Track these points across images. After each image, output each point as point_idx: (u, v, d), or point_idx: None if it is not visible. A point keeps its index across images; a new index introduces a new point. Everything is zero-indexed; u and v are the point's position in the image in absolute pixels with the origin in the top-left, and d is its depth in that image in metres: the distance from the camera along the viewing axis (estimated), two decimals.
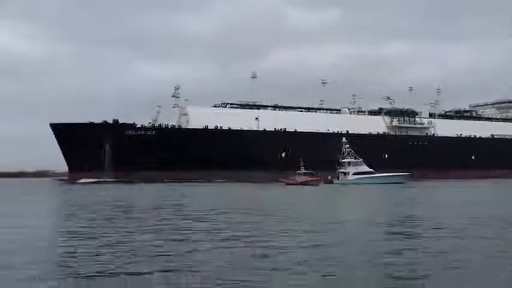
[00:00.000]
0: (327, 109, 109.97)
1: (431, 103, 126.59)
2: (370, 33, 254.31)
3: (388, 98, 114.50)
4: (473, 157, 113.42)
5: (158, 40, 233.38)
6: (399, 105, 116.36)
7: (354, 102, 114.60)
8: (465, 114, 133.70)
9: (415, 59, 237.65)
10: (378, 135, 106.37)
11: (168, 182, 77.84)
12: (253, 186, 67.95)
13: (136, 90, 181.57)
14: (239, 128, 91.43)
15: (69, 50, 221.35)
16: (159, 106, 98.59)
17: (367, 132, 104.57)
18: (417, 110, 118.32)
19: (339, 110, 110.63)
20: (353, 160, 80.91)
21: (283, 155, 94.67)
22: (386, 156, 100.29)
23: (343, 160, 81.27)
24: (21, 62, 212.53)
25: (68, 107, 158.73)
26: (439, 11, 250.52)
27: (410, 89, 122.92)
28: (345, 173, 79.17)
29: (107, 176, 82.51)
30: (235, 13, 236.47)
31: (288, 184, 74.70)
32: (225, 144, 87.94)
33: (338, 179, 78.68)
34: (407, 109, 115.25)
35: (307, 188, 66.05)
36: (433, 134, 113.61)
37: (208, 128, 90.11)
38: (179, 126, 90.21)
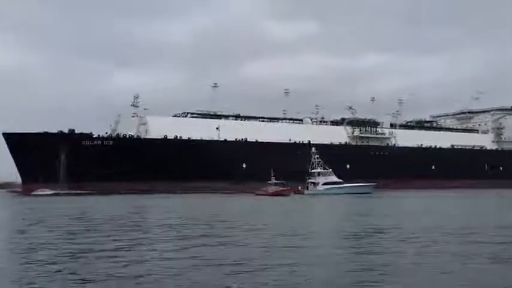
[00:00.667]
0: (289, 119, 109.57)
1: (393, 113, 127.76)
2: (346, 45, 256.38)
3: (350, 108, 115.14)
4: (433, 167, 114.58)
5: (131, 49, 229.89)
6: (361, 115, 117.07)
7: (317, 112, 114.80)
8: (426, 124, 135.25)
9: (388, 70, 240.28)
10: (340, 145, 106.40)
11: (125, 193, 75.79)
12: (221, 197, 67.24)
13: (107, 99, 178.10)
14: (199, 138, 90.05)
15: (40, 59, 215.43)
16: (119, 115, 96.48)
17: (329, 142, 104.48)
18: (379, 120, 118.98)
19: (302, 120, 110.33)
20: (323, 170, 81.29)
21: (244, 165, 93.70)
22: (348, 166, 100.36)
23: (313, 170, 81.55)
24: None
25: (35, 117, 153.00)
26: (413, 21, 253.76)
27: (373, 99, 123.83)
28: (314, 183, 79.51)
29: (62, 187, 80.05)
30: (210, 22, 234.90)
31: (258, 195, 73.93)
32: (184, 154, 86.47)
33: (308, 189, 78.66)
34: (369, 119, 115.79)
35: (278, 198, 65.28)
36: (394, 144, 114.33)
37: (168, 137, 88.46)
38: (137, 136, 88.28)
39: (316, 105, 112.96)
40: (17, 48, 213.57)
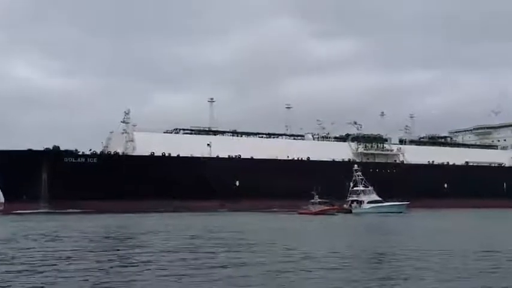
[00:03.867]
0: (290, 135, 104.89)
1: (405, 128, 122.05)
2: (382, 63, 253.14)
3: (355, 123, 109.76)
4: (445, 185, 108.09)
5: (171, 68, 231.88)
6: (369, 131, 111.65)
7: (324, 128, 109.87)
8: (440, 140, 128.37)
9: (425, 88, 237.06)
10: (342, 162, 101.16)
11: (108, 212, 72.14)
12: (248, 216, 63.91)
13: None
14: (188, 155, 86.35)
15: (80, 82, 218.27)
16: (111, 132, 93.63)
17: (331, 159, 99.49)
18: (388, 136, 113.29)
19: (303, 136, 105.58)
20: (366, 189, 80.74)
21: (237, 183, 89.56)
22: (350, 184, 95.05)
23: (356, 188, 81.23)
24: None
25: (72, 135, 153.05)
26: (451, 38, 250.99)
27: (382, 114, 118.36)
28: (358, 202, 78.15)
29: (43, 206, 77.47)
30: (250, 41, 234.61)
31: (302, 213, 70.94)
32: (172, 171, 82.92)
33: (351, 207, 77.50)
34: (376, 135, 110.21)
35: (327, 218, 62.50)
36: (402, 161, 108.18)
37: (155, 154, 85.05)
38: (123, 153, 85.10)
39: (318, 120, 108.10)
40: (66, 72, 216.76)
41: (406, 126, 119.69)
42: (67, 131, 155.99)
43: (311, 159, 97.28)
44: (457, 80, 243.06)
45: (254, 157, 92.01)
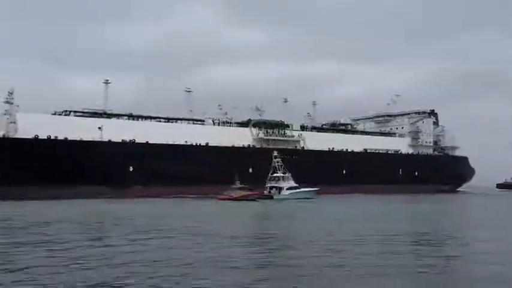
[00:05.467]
0: (190, 119, 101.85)
1: (307, 115, 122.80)
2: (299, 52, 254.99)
3: (258, 108, 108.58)
4: (344, 171, 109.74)
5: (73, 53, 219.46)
6: (271, 117, 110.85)
7: (226, 113, 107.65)
8: (341, 127, 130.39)
9: (341, 78, 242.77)
10: (243, 148, 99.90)
11: None
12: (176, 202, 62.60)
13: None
14: (77, 138, 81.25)
15: None
16: None
17: (231, 145, 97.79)
18: (290, 122, 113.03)
19: (204, 121, 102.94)
20: (285, 175, 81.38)
21: (131, 168, 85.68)
22: (250, 170, 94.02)
23: (275, 174, 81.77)
24: None
25: None
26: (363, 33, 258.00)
27: (285, 100, 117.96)
28: (277, 188, 79.20)
29: None
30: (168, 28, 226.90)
31: (221, 199, 70.16)
32: (58, 156, 77.65)
33: (269, 193, 78.47)
34: (278, 121, 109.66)
35: (251, 203, 63.02)
36: (303, 147, 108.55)
37: (39, 138, 79.21)
38: (3, 135, 78.55)
39: (219, 105, 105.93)
40: None
41: (308, 113, 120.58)
42: None
43: (210, 144, 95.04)
44: (362, 72, 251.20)
45: (150, 142, 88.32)
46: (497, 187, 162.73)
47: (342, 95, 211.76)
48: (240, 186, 73.65)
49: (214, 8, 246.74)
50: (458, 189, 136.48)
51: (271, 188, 79.90)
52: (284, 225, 36.28)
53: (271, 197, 76.63)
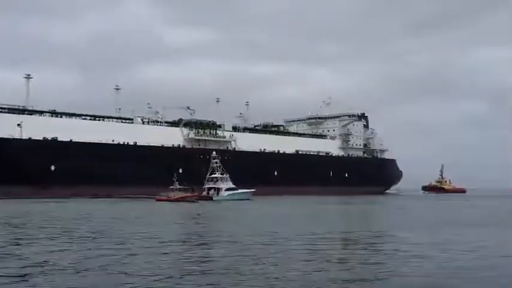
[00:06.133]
0: (118, 118, 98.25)
1: (240, 115, 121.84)
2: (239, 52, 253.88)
3: (188, 108, 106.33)
4: (276, 173, 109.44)
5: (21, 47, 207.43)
6: (203, 117, 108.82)
7: (157, 112, 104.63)
8: (273, 128, 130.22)
9: (275, 79, 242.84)
10: (172, 148, 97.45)
11: None
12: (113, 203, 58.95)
13: None
14: None
15: None
16: None
17: (161, 145, 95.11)
18: (222, 123, 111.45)
19: (132, 120, 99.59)
20: (223, 176, 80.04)
21: (52, 167, 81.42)
22: (180, 170, 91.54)
23: (213, 175, 79.93)
24: None
25: None
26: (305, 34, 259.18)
27: (218, 100, 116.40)
28: (215, 189, 78.12)
29: None
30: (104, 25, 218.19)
31: (159, 200, 67.66)
32: None
33: (208, 194, 77.45)
34: (209, 121, 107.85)
35: (187, 205, 60.04)
36: (234, 148, 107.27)
37: None
38: None
39: (148, 103, 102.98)
40: None
41: (241, 113, 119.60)
42: None
43: (138, 144, 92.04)
44: (296, 74, 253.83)
45: (73, 140, 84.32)
46: (422, 189, 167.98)
47: (276, 96, 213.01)
48: (180, 187, 71.73)
49: (154, 8, 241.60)
50: (386, 191, 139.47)
51: (209, 189, 78.80)
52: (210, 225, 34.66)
53: (210, 198, 75.38)
